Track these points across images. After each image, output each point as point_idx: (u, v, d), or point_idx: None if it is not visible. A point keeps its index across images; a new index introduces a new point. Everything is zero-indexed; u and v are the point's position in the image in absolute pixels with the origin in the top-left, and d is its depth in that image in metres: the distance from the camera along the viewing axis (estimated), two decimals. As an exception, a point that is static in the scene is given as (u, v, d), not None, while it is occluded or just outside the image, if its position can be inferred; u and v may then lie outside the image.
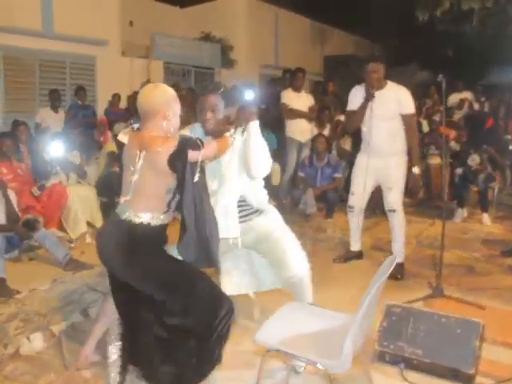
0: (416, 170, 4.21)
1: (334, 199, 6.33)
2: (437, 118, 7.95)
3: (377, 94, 4.08)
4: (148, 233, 2.40)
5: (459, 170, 6.46)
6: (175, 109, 2.47)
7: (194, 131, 3.00)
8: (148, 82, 9.82)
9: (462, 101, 9.12)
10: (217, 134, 2.82)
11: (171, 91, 2.50)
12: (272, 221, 3.05)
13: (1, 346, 3.04)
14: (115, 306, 2.64)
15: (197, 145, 2.35)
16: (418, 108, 8.98)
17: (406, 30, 14.73)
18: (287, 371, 2.69)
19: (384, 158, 4.16)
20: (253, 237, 3.02)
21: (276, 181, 6.72)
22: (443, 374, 2.76)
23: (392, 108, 4.10)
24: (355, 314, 2.07)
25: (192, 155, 2.32)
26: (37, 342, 3.10)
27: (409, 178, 4.23)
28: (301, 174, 6.65)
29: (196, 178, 2.35)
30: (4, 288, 3.89)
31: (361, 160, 4.41)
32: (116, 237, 2.43)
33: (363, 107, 4.15)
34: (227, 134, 2.74)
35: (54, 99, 6.93)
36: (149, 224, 2.39)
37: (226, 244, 2.93)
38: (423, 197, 7.22)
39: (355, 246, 4.72)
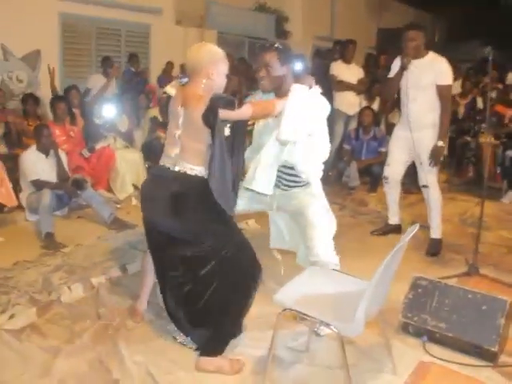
0: (440, 143, 4.02)
1: (379, 173, 6.22)
2: (493, 95, 7.61)
3: (414, 63, 3.97)
4: (201, 184, 2.47)
5: (510, 153, 6.22)
6: (221, 69, 2.52)
7: (255, 95, 3.13)
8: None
9: (522, 78, 8.68)
10: (278, 92, 2.91)
11: (218, 51, 2.55)
12: (311, 202, 3.04)
13: (46, 293, 3.28)
14: (152, 259, 2.77)
15: (229, 103, 2.40)
16: (476, 85, 8.66)
17: (469, 5, 14.06)
18: (309, 334, 2.76)
19: (419, 130, 4.07)
20: (293, 206, 3.11)
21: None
22: (466, 350, 2.75)
23: (428, 78, 3.98)
24: (371, 280, 2.10)
25: (223, 113, 2.37)
26: (77, 292, 3.31)
27: (433, 148, 4.06)
28: (346, 146, 6.62)
29: (223, 135, 2.43)
30: (52, 242, 4.17)
31: (398, 131, 4.38)
32: (168, 184, 2.50)
33: (398, 75, 4.07)
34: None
35: (107, 66, 7.12)
36: (201, 176, 2.49)
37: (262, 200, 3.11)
38: (473, 176, 7.02)
39: (393, 220, 4.69)
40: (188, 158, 2.49)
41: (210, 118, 2.36)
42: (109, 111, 5.86)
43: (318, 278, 2.52)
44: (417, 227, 2.27)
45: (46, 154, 4.74)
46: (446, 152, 7.70)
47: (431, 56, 4.04)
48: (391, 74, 4.23)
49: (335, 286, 2.45)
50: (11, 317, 2.95)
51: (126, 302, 3.20)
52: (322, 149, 3.03)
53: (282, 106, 2.75)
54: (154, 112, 6.47)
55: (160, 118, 6.19)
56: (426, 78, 3.99)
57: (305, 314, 2.16)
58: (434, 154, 4.04)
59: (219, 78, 2.52)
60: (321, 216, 3.01)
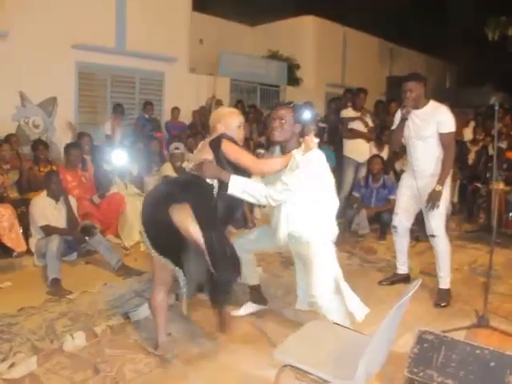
0: (438, 187, 4.00)
1: (388, 221, 6.18)
2: (503, 145, 7.62)
3: (416, 113, 4.02)
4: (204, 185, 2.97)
5: (516, 200, 6.19)
6: (227, 122, 3.12)
7: (274, 151, 3.42)
8: (213, 97, 10.14)
9: (534, 124, 8.69)
10: (285, 145, 3.20)
11: (225, 110, 3.31)
12: (307, 249, 3.18)
13: (48, 341, 3.26)
14: None
15: (234, 141, 3.01)
16: (487, 130, 8.66)
17: (480, 51, 14.26)
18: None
19: (425, 178, 4.07)
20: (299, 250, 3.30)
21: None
22: (474, 408, 2.66)
23: (430, 128, 4.00)
24: (372, 336, 2.06)
25: (225, 144, 2.92)
26: (79, 340, 3.28)
27: (431, 192, 4.04)
28: (356, 194, 6.62)
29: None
30: (58, 288, 4.17)
31: (404, 180, 4.39)
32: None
33: (399, 126, 4.12)
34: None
35: (118, 113, 7.32)
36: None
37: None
38: (484, 223, 6.95)
39: (402, 269, 4.62)
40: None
41: (215, 145, 2.95)
42: (119, 158, 5.94)
43: (320, 333, 2.48)
44: (418, 283, 2.24)
45: (56, 199, 4.80)
46: (455, 199, 7.73)
47: (432, 105, 4.07)
48: (394, 126, 4.29)
49: (337, 340, 2.41)
50: (11, 365, 2.94)
51: (127, 351, 3.17)
52: (328, 206, 3.22)
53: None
54: (167, 169, 6.37)
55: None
56: (428, 128, 4.01)
57: (304, 371, 2.11)
58: (432, 198, 4.02)
59: (228, 129, 3.10)
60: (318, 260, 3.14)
